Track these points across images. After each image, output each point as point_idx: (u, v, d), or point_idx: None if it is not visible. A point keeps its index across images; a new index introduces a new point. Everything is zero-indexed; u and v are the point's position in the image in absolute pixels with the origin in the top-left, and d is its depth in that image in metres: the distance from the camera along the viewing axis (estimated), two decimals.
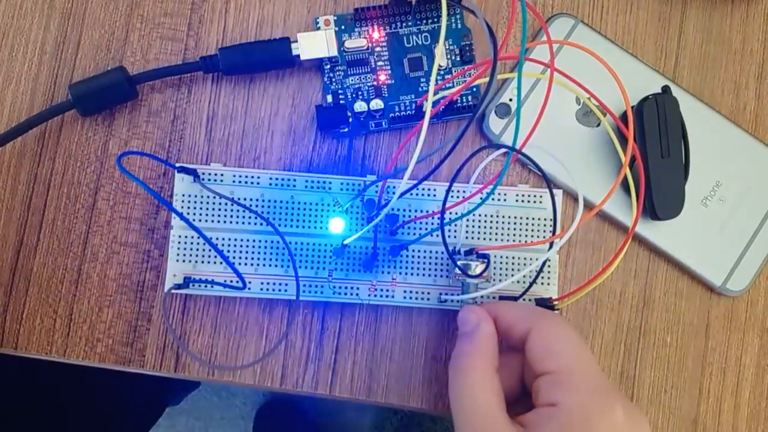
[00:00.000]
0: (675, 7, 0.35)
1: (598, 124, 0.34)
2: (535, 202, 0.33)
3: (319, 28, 0.33)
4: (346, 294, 0.31)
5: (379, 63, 0.33)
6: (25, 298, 0.32)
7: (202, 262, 0.31)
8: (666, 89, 0.33)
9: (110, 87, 0.31)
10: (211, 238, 0.31)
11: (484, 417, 0.26)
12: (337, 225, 0.32)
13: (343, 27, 0.33)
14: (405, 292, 0.32)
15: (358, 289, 0.31)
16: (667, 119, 0.32)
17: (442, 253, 0.32)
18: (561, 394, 0.25)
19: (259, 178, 0.31)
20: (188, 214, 0.31)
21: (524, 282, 0.32)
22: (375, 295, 0.31)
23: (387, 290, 0.31)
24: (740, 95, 0.35)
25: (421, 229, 0.32)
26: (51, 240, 0.32)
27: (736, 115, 0.35)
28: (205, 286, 0.31)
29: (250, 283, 0.31)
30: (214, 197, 0.31)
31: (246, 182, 0.31)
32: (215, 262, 0.31)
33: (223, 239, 0.31)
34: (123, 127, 0.33)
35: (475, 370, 0.27)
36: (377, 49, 0.33)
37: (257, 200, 0.31)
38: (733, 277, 0.34)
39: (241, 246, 0.31)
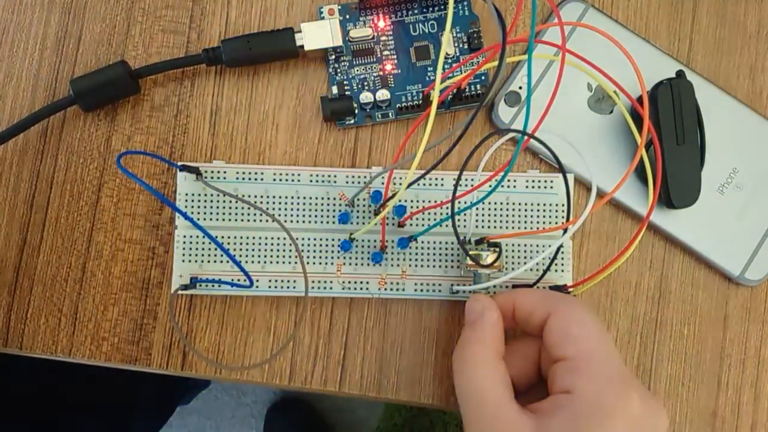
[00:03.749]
0: None
1: (611, 111, 0.33)
2: (545, 187, 0.32)
3: (323, 18, 0.32)
4: (355, 288, 0.31)
5: (385, 52, 0.32)
6: (29, 297, 0.31)
7: (209, 261, 0.30)
8: (680, 74, 0.32)
9: (112, 82, 0.31)
10: (216, 237, 0.30)
11: (490, 405, 0.25)
12: None
13: (347, 16, 0.32)
14: (416, 284, 0.31)
15: (367, 283, 0.31)
16: (682, 104, 0.31)
17: (453, 243, 0.31)
18: (576, 380, 0.25)
19: (262, 173, 0.31)
20: (192, 213, 0.30)
21: (538, 270, 0.31)
22: (385, 289, 0.31)
23: (397, 283, 0.31)
24: (756, 80, 0.34)
25: (429, 219, 0.31)
26: (55, 238, 0.32)
27: (753, 99, 0.34)
28: (212, 286, 0.30)
29: (257, 281, 0.30)
30: (218, 195, 0.30)
31: (249, 178, 0.31)
32: (222, 261, 0.30)
33: (229, 237, 0.30)
34: (126, 123, 0.32)
35: (477, 358, 0.26)
36: (383, 38, 0.32)
37: (262, 196, 0.31)
38: (752, 267, 0.33)
39: (248, 243, 0.31)
